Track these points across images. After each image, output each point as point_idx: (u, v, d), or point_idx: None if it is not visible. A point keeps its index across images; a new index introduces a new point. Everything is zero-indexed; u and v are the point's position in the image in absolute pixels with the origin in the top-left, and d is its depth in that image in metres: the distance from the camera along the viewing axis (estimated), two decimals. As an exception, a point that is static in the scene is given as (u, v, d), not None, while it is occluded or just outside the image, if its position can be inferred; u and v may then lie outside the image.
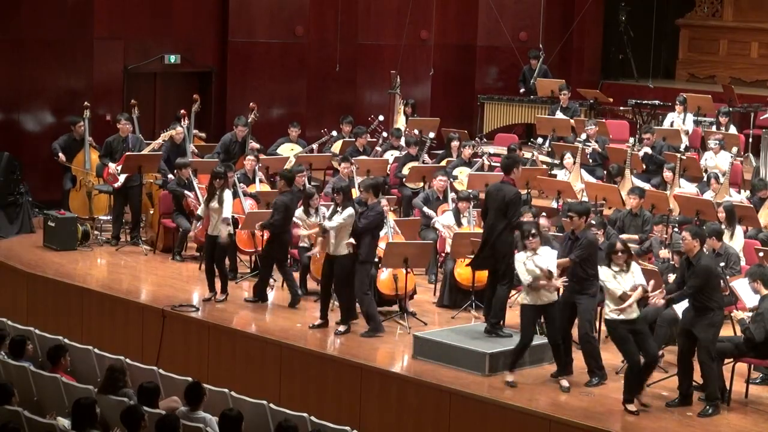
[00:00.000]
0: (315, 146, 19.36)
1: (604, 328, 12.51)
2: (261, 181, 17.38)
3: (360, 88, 22.77)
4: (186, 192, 16.44)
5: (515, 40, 23.13)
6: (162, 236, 17.13)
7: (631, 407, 11.59)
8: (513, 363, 12.34)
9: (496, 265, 13.19)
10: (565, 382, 12.23)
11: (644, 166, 18.13)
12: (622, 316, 11.63)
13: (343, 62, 22.37)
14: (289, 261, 15.27)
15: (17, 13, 19.53)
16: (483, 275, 14.02)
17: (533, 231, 12.24)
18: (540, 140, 19.77)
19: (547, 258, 12.43)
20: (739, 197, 16.58)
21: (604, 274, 11.76)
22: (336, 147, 19.38)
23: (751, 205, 15.72)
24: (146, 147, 17.81)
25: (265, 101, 20.90)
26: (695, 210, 15.54)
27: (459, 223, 15.25)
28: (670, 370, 12.20)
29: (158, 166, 17.80)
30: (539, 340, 13.15)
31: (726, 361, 11.87)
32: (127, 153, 17.32)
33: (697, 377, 12.04)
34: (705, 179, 16.99)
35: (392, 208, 16.53)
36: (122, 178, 17.25)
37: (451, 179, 17.30)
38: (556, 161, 18.71)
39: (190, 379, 11.11)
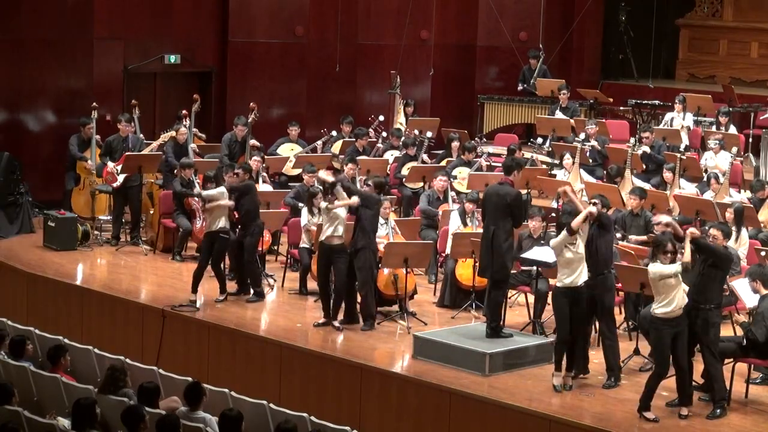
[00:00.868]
0: (319, 144, 19.33)
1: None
2: (264, 181, 17.38)
3: (360, 88, 22.77)
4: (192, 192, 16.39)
5: (515, 40, 23.13)
6: (162, 236, 17.13)
7: (649, 415, 11.51)
8: (557, 363, 12.29)
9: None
10: (570, 381, 12.26)
11: (644, 167, 18.13)
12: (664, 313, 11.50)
13: (343, 62, 22.37)
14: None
15: (17, 13, 19.53)
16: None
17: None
18: (540, 140, 19.77)
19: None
20: (740, 197, 16.58)
21: (653, 270, 11.64)
22: (336, 147, 19.38)
23: (752, 205, 15.72)
24: (146, 147, 17.82)
25: (265, 101, 20.90)
26: (695, 210, 15.54)
27: (464, 223, 15.24)
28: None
29: (158, 166, 17.81)
30: (539, 339, 13.17)
31: (726, 361, 11.87)
32: (127, 153, 17.32)
33: (697, 377, 12.05)
34: (705, 179, 16.99)
35: (392, 209, 16.52)
36: (121, 178, 17.24)
37: (451, 179, 17.29)
38: (556, 161, 18.71)
39: (190, 379, 11.11)
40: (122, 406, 10.17)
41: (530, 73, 22.42)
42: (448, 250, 14.90)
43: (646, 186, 16.93)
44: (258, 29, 21.69)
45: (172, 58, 20.87)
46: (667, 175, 17.03)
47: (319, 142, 19.41)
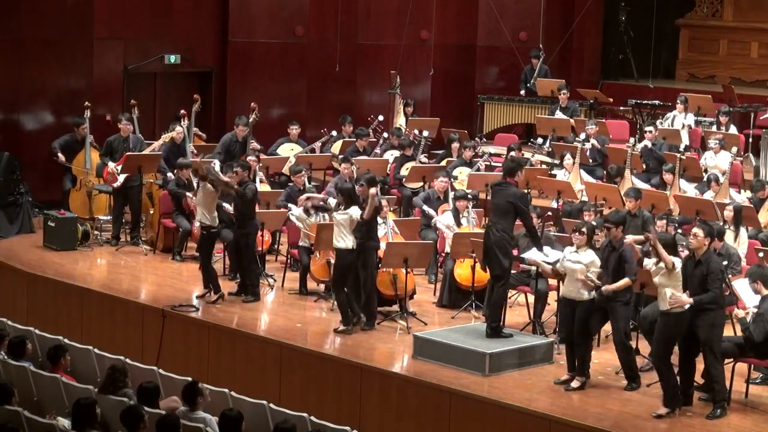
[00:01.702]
0: (317, 145, 19.34)
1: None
2: (261, 181, 17.38)
3: (360, 88, 22.78)
4: (187, 193, 16.39)
5: (515, 40, 23.13)
6: (162, 236, 17.13)
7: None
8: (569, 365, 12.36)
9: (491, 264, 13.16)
10: (575, 383, 12.23)
11: (644, 166, 18.13)
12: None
13: (343, 62, 22.37)
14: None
15: (17, 13, 19.53)
16: (483, 275, 14.04)
17: (582, 229, 12.25)
18: (540, 140, 19.77)
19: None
20: (740, 197, 16.58)
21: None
22: (336, 147, 19.38)
23: (752, 205, 15.72)
24: (147, 147, 17.82)
25: (265, 101, 20.89)
26: (695, 210, 15.54)
27: (458, 223, 15.24)
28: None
29: (158, 166, 17.81)
30: (540, 339, 13.17)
31: (726, 361, 11.87)
32: (127, 153, 17.33)
33: (697, 377, 12.05)
34: (705, 180, 16.99)
35: (392, 208, 16.52)
36: (122, 178, 17.25)
37: (451, 179, 17.29)
38: (556, 161, 18.71)
39: (189, 379, 11.11)
40: (122, 406, 10.17)
41: (532, 73, 22.43)
42: (447, 249, 14.90)
43: (646, 186, 16.93)
44: (258, 29, 21.70)
45: (172, 58, 20.87)
46: (667, 175, 17.03)
47: (318, 143, 19.41)
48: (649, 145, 18.23)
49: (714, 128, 19.42)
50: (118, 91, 20.29)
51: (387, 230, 14.81)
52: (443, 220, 15.44)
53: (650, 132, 18.39)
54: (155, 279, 16.01)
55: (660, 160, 17.80)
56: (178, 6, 20.93)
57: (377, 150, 19.12)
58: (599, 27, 24.68)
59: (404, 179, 18.06)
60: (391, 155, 19.02)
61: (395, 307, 14.46)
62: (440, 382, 12.34)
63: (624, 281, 12.10)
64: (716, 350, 11.59)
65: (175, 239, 16.88)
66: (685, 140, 19.22)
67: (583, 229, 12.26)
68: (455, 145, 18.66)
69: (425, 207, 16.24)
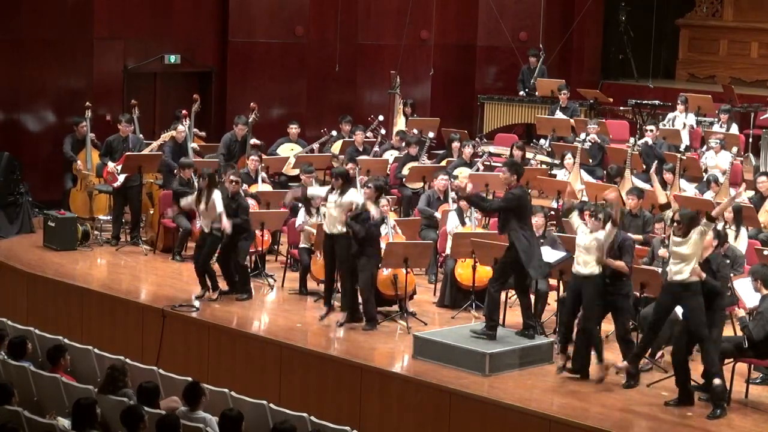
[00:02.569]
0: (316, 146, 19.36)
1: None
2: (263, 180, 17.38)
3: (360, 88, 22.78)
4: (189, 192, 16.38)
5: (515, 40, 23.14)
6: (162, 236, 17.13)
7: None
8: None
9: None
10: (560, 360, 12.33)
11: (644, 165, 18.14)
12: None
13: (343, 62, 22.38)
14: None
15: (17, 13, 19.53)
16: (484, 275, 14.04)
17: (598, 215, 12.26)
18: (542, 142, 19.77)
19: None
20: (740, 197, 16.55)
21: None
22: (336, 147, 19.38)
23: (752, 205, 15.73)
24: (146, 147, 17.82)
25: (265, 101, 20.90)
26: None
27: (462, 222, 15.23)
28: (669, 370, 12.17)
29: (158, 166, 17.81)
30: (540, 339, 13.16)
31: (726, 361, 11.87)
32: (127, 153, 17.33)
33: (697, 377, 12.05)
34: (705, 180, 16.99)
35: (392, 208, 16.52)
36: (122, 178, 17.25)
37: (452, 179, 17.28)
38: (556, 161, 18.71)
39: (189, 379, 11.11)
40: (122, 406, 10.16)
41: (530, 73, 22.43)
42: (448, 251, 14.89)
43: (646, 186, 16.93)
44: (258, 29, 21.70)
45: (172, 58, 20.88)
46: (668, 176, 17.04)
47: (316, 144, 19.41)
48: (650, 142, 18.24)
49: (714, 127, 19.43)
50: (118, 91, 20.29)
51: (387, 230, 14.80)
52: (450, 226, 15.29)
53: (651, 131, 18.40)
54: (155, 279, 16.01)
55: (660, 159, 17.80)
56: (178, 6, 20.93)
57: (376, 149, 19.12)
58: (599, 27, 24.69)
59: (404, 179, 18.06)
60: (391, 155, 19.02)
61: (395, 307, 14.45)
62: (440, 382, 12.34)
63: (620, 263, 12.23)
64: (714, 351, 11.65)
65: (175, 239, 16.88)
66: (686, 140, 19.24)
67: (600, 215, 12.25)
68: (455, 145, 18.66)
69: (432, 211, 16.17)
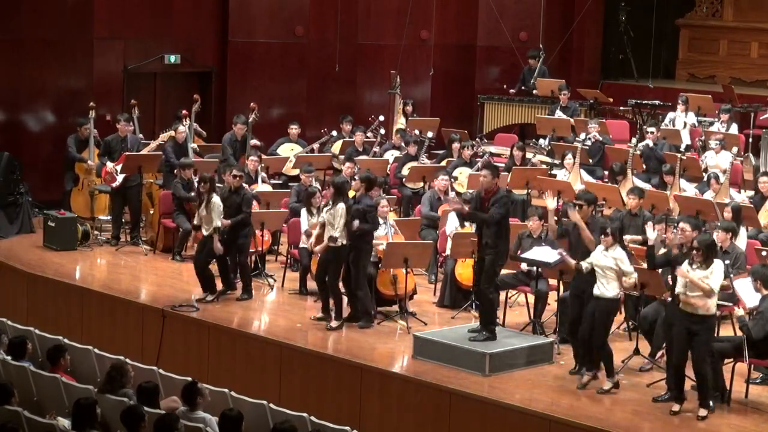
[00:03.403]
0: (315, 146, 19.36)
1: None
2: (263, 181, 17.38)
3: (360, 88, 22.78)
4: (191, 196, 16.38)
5: (515, 40, 23.14)
6: (162, 236, 17.13)
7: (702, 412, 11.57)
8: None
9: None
10: (585, 378, 12.26)
11: (644, 165, 18.15)
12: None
13: (343, 62, 22.37)
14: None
15: (17, 13, 19.53)
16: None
17: (607, 230, 12.18)
18: (542, 142, 19.76)
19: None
20: (740, 197, 16.58)
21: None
22: (336, 147, 19.38)
23: (752, 205, 15.73)
24: (145, 147, 17.81)
25: (265, 101, 20.90)
26: (695, 210, 15.53)
27: (462, 224, 15.22)
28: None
29: (158, 166, 17.80)
30: (540, 339, 13.16)
31: (726, 361, 11.87)
32: (126, 153, 17.32)
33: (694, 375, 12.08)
34: (705, 179, 16.99)
35: (392, 208, 16.52)
36: (120, 177, 17.24)
37: (452, 179, 17.29)
38: (556, 161, 18.71)
39: (190, 379, 11.10)
40: (122, 406, 10.17)
41: (530, 74, 22.43)
42: (448, 251, 14.89)
43: (647, 186, 16.93)
44: (258, 29, 21.70)
45: (172, 58, 20.87)
46: (667, 177, 17.03)
47: (316, 144, 19.41)
48: (651, 144, 18.25)
49: (714, 127, 19.43)
50: (118, 91, 20.28)
51: (387, 230, 14.80)
52: (450, 228, 15.27)
53: (652, 133, 18.40)
54: (155, 279, 16.00)
55: (660, 161, 17.80)
56: (178, 6, 20.93)
57: (376, 149, 19.12)
58: (599, 27, 24.68)
59: (404, 179, 18.06)
60: (391, 155, 19.02)
61: (395, 307, 14.45)
62: (440, 382, 12.34)
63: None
64: (705, 353, 11.64)
65: (175, 239, 16.87)
66: (686, 140, 19.24)
67: (608, 231, 12.17)
68: (455, 145, 18.66)
69: (438, 215, 16.16)
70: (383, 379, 12.78)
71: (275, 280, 15.61)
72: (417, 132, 19.38)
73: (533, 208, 14.45)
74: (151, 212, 17.56)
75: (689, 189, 16.96)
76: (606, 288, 12.00)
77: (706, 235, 12.02)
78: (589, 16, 23.57)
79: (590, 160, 18.67)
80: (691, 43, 25.43)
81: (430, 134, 19.18)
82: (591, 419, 11.46)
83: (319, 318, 14.14)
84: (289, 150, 19.10)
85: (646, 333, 12.76)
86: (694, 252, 11.42)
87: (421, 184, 17.86)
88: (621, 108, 22.02)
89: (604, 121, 20.45)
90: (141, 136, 18.22)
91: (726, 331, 13.11)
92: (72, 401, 10.27)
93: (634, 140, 18.60)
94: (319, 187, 16.34)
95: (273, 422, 10.55)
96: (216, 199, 14.64)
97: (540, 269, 13.59)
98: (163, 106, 20.95)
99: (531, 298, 14.01)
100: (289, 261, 16.06)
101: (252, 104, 18.82)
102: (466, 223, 15.13)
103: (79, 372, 12.10)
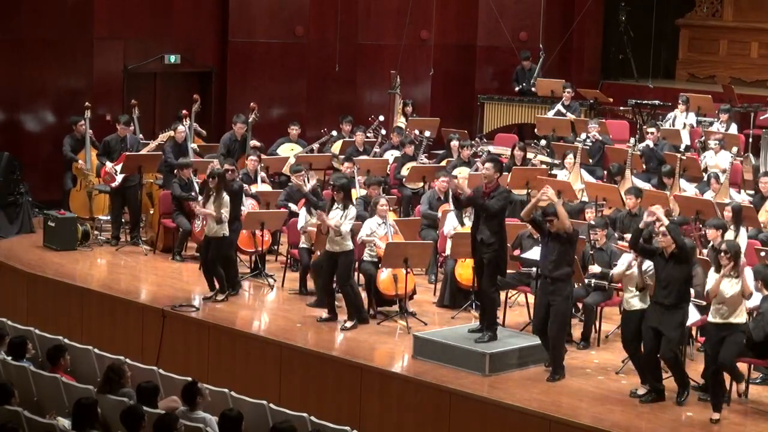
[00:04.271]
0: (315, 146, 19.36)
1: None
2: (263, 181, 17.38)
3: (360, 88, 22.78)
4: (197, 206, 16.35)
5: (515, 40, 23.14)
6: (162, 236, 17.13)
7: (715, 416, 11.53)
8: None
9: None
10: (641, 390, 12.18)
11: (644, 166, 18.15)
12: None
13: (343, 62, 22.38)
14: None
15: (17, 13, 19.53)
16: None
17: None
18: (543, 142, 19.77)
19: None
20: (740, 197, 16.58)
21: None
22: (336, 147, 19.38)
23: (752, 205, 15.73)
24: (144, 147, 17.81)
25: (265, 101, 20.90)
26: (695, 210, 15.54)
27: (462, 223, 15.22)
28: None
29: (158, 166, 17.81)
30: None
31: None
32: (126, 153, 17.32)
33: (697, 377, 12.07)
34: (705, 179, 17.00)
35: (392, 208, 16.52)
36: (120, 178, 17.24)
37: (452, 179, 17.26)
38: (557, 161, 18.72)
39: (189, 379, 11.10)
40: (122, 406, 10.16)
41: (523, 74, 22.49)
42: (448, 252, 14.89)
43: (647, 186, 16.94)
44: (258, 29, 21.70)
45: (172, 58, 20.87)
46: (666, 179, 17.03)
47: (316, 144, 19.41)
48: (651, 145, 18.25)
49: (714, 127, 19.43)
50: (118, 91, 20.29)
51: (386, 230, 14.80)
52: (447, 227, 15.27)
53: (652, 133, 18.40)
54: (155, 279, 16.00)
55: (660, 161, 17.80)
56: (178, 6, 20.93)
57: (376, 149, 19.12)
58: (599, 27, 24.69)
59: (404, 179, 18.06)
60: (391, 155, 19.02)
61: (395, 307, 14.45)
62: (440, 382, 12.34)
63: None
64: (676, 350, 11.74)
65: (175, 239, 16.87)
66: (686, 140, 19.24)
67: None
68: (454, 144, 18.66)
69: (437, 214, 16.16)
70: (383, 379, 12.78)
71: (275, 280, 15.61)
72: (417, 132, 19.38)
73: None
74: (151, 212, 17.56)
75: (689, 189, 16.96)
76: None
77: (733, 241, 12.01)
78: (589, 16, 23.57)
79: (590, 160, 18.67)
80: (691, 43, 25.43)
81: (428, 133, 19.16)
82: (591, 419, 11.47)
83: (326, 319, 14.13)
84: (289, 150, 19.10)
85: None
86: (722, 255, 11.36)
87: (421, 184, 17.86)
88: (621, 108, 22.02)
89: (604, 121, 20.45)
90: (141, 136, 18.22)
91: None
92: (72, 401, 10.27)
93: (633, 140, 18.60)
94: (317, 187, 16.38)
95: (273, 422, 10.56)
96: (226, 200, 14.63)
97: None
98: (163, 106, 20.95)
99: (531, 298, 14.01)
100: (289, 261, 16.06)
101: (252, 104, 18.82)
102: (466, 222, 15.14)
103: (79, 372, 12.10)
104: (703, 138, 18.95)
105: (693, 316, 12.16)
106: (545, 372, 12.59)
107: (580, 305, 13.63)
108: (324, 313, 14.19)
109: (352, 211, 13.87)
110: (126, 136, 17.71)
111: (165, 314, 14.49)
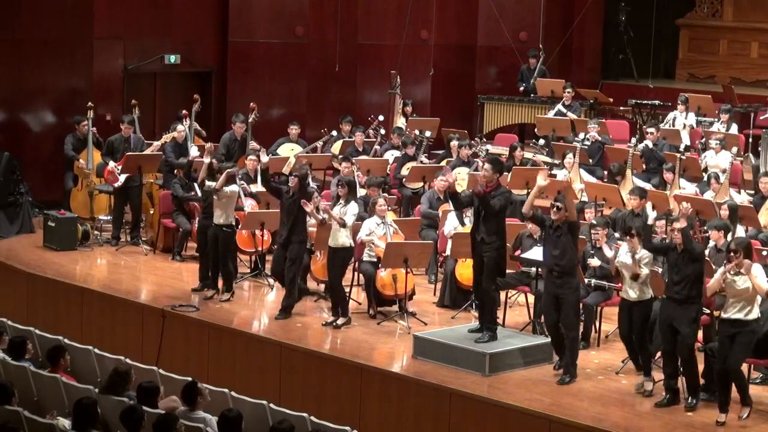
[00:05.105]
0: (319, 145, 19.33)
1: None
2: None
3: (360, 88, 22.77)
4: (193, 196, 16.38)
5: (515, 40, 23.14)
6: (162, 236, 17.14)
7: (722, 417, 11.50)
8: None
9: None
10: (648, 385, 12.21)
11: (644, 166, 18.14)
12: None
13: (343, 62, 22.37)
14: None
15: (17, 13, 19.53)
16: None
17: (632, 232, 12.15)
18: (542, 141, 19.77)
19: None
20: (740, 197, 16.57)
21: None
22: (336, 147, 19.38)
23: (752, 205, 15.73)
24: (148, 148, 17.82)
25: (265, 101, 20.90)
26: (695, 210, 15.53)
27: (462, 223, 15.22)
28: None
29: (159, 166, 17.81)
30: (540, 339, 13.15)
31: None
32: (128, 153, 17.33)
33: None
34: (705, 179, 16.99)
35: (392, 208, 16.52)
36: (122, 177, 17.25)
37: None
38: (556, 161, 18.71)
39: (189, 379, 11.10)
40: (122, 406, 10.16)
41: (529, 73, 22.45)
42: (448, 252, 14.88)
43: (647, 186, 16.94)
44: (258, 29, 21.70)
45: (172, 58, 20.87)
46: (668, 175, 17.05)
47: (320, 142, 19.41)
48: (650, 145, 18.25)
49: (714, 127, 19.43)
50: (118, 91, 20.29)
51: (386, 230, 14.80)
52: (448, 228, 15.26)
53: (652, 133, 18.40)
54: (155, 279, 16.01)
55: (661, 162, 17.79)
56: (178, 6, 20.93)
57: (377, 148, 19.12)
58: (599, 27, 24.68)
59: (404, 179, 18.06)
60: (391, 155, 19.02)
61: (395, 307, 14.45)
62: (440, 382, 12.34)
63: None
64: (692, 345, 11.72)
65: (175, 239, 16.88)
66: (686, 140, 19.24)
67: (633, 232, 12.12)
68: (454, 144, 18.66)
69: (437, 213, 16.15)
70: (383, 379, 12.78)
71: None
72: (417, 132, 19.37)
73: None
74: (151, 212, 17.57)
75: (689, 189, 16.96)
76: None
77: (742, 237, 12.01)
78: (589, 16, 23.58)
79: (590, 160, 18.66)
80: (691, 43, 25.43)
81: (428, 133, 19.15)
82: (591, 419, 11.46)
83: (331, 323, 14.13)
84: (289, 150, 19.09)
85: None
86: (732, 254, 11.32)
87: (421, 184, 17.86)
88: (621, 108, 22.01)
89: (603, 121, 20.44)
90: (140, 136, 18.22)
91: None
92: (72, 401, 10.27)
93: (633, 140, 18.60)
94: (316, 187, 16.37)
95: (273, 422, 10.56)
96: (234, 187, 14.66)
97: (540, 269, 13.59)
98: (163, 106, 20.95)
99: (531, 298, 14.01)
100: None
101: (252, 104, 18.82)
102: (467, 222, 15.14)
103: (79, 372, 12.10)
104: (704, 138, 18.95)
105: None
106: (546, 372, 12.59)
107: (580, 305, 13.61)
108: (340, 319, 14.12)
109: (354, 206, 13.89)
110: (130, 136, 17.73)
111: (165, 314, 14.50)
